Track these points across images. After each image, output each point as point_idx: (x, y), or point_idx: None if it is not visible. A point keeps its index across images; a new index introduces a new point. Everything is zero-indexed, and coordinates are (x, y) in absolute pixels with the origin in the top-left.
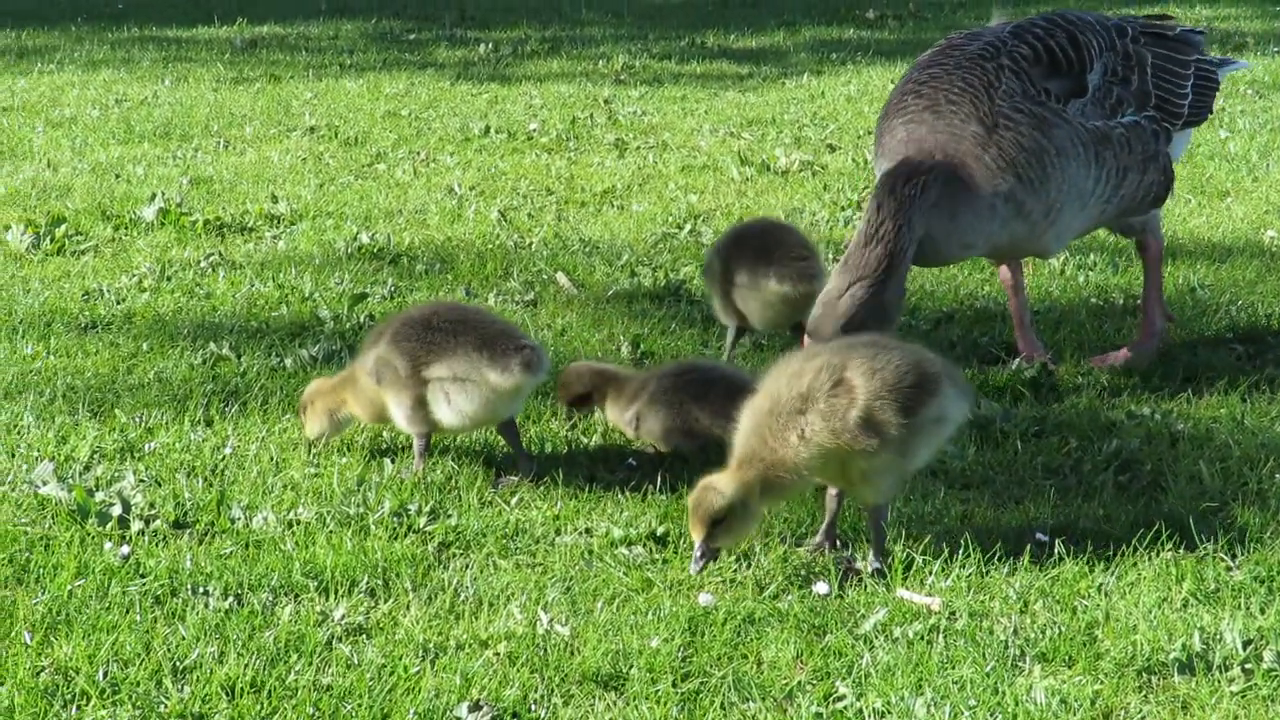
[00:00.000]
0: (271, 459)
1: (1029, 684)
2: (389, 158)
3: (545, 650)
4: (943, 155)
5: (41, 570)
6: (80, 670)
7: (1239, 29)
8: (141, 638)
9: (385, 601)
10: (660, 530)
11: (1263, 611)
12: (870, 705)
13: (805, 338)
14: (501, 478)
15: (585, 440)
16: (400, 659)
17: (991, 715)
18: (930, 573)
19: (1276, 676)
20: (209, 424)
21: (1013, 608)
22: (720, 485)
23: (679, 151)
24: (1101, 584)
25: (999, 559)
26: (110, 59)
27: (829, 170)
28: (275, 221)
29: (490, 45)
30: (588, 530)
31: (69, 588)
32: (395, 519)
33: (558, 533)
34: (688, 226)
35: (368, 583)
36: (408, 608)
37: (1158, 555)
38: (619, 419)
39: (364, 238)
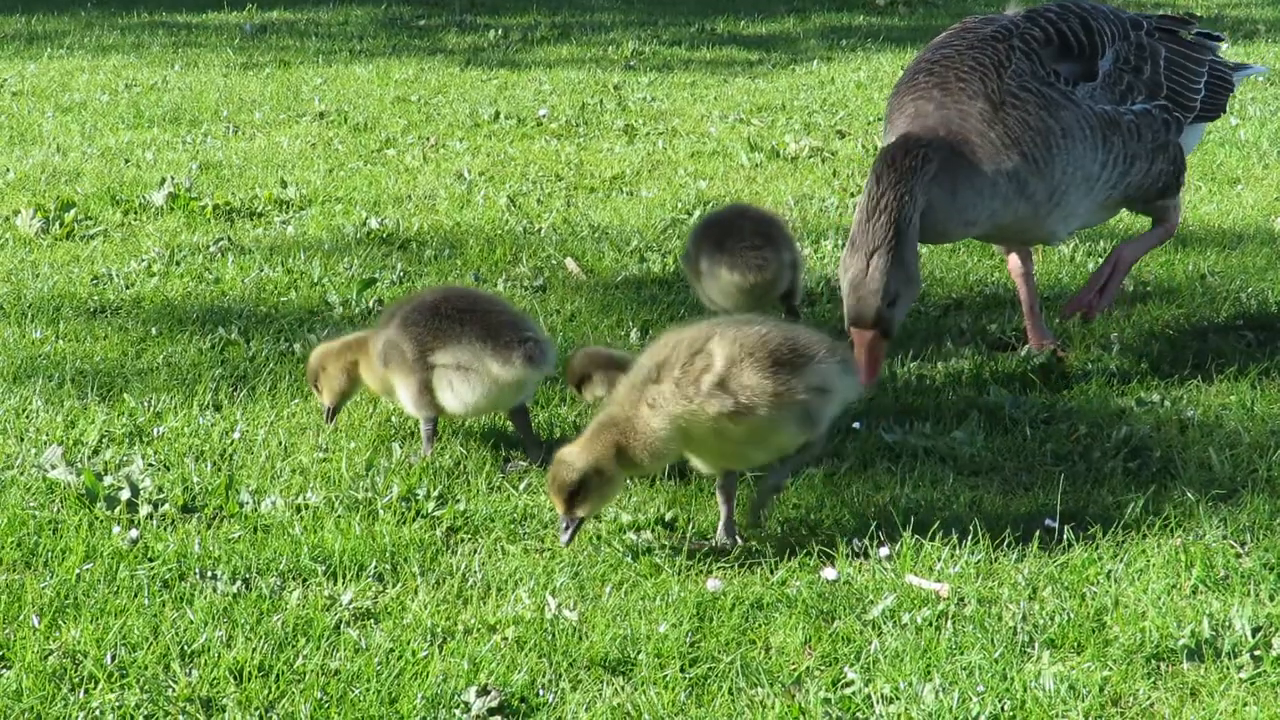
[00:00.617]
0: (280, 443)
1: (1038, 670)
2: (398, 143)
3: (553, 635)
4: (946, 131)
5: (50, 554)
6: (88, 654)
7: (1250, 16)
8: (150, 621)
9: (393, 586)
10: (669, 516)
11: (1272, 598)
12: (879, 691)
13: (851, 330)
14: (510, 462)
15: None
16: (408, 643)
17: (1000, 701)
18: (939, 559)
19: None
20: (218, 408)
21: (1021, 594)
22: (570, 457)
23: (688, 138)
24: (1110, 570)
25: (1008, 545)
26: (120, 44)
27: (839, 156)
28: (284, 206)
29: (500, 31)
30: (596, 515)
31: (77, 571)
32: (404, 504)
33: None
34: (697, 212)
35: (376, 567)
36: (416, 592)
37: (1167, 542)
38: None
39: (373, 223)
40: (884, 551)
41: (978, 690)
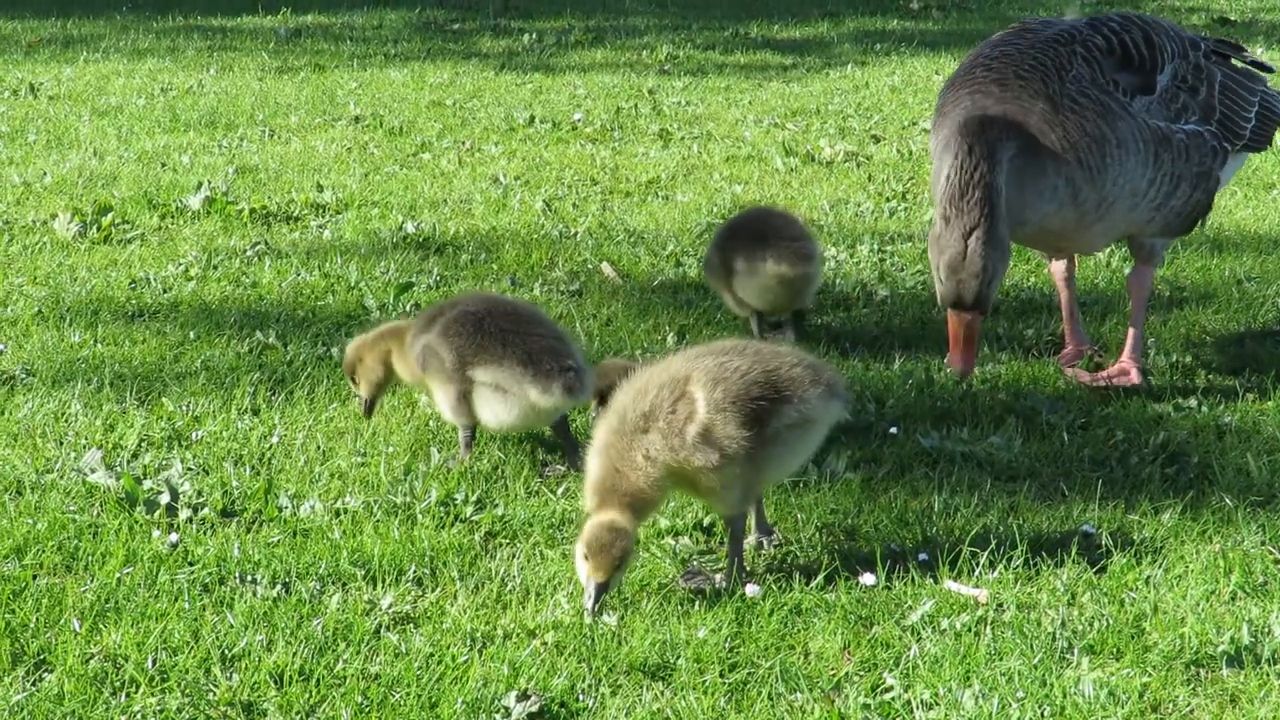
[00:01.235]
0: (318, 448)
1: (1077, 676)
2: (434, 147)
3: (593, 640)
4: (1013, 121)
5: (90, 558)
6: (129, 658)
7: None
8: (190, 625)
9: (432, 591)
10: (707, 521)
11: None
12: (918, 696)
13: (950, 312)
14: (548, 467)
15: None
16: (448, 648)
17: (1039, 707)
18: (977, 565)
19: None
20: (256, 412)
21: (1060, 600)
22: (626, 525)
23: (723, 142)
24: (1149, 576)
25: (1046, 551)
26: (156, 48)
27: (873, 161)
28: (321, 211)
29: (534, 35)
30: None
31: (117, 575)
32: (442, 508)
33: None
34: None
35: (415, 572)
36: (455, 597)
37: (1205, 548)
38: None
39: (409, 227)
40: (922, 557)
41: (1017, 696)
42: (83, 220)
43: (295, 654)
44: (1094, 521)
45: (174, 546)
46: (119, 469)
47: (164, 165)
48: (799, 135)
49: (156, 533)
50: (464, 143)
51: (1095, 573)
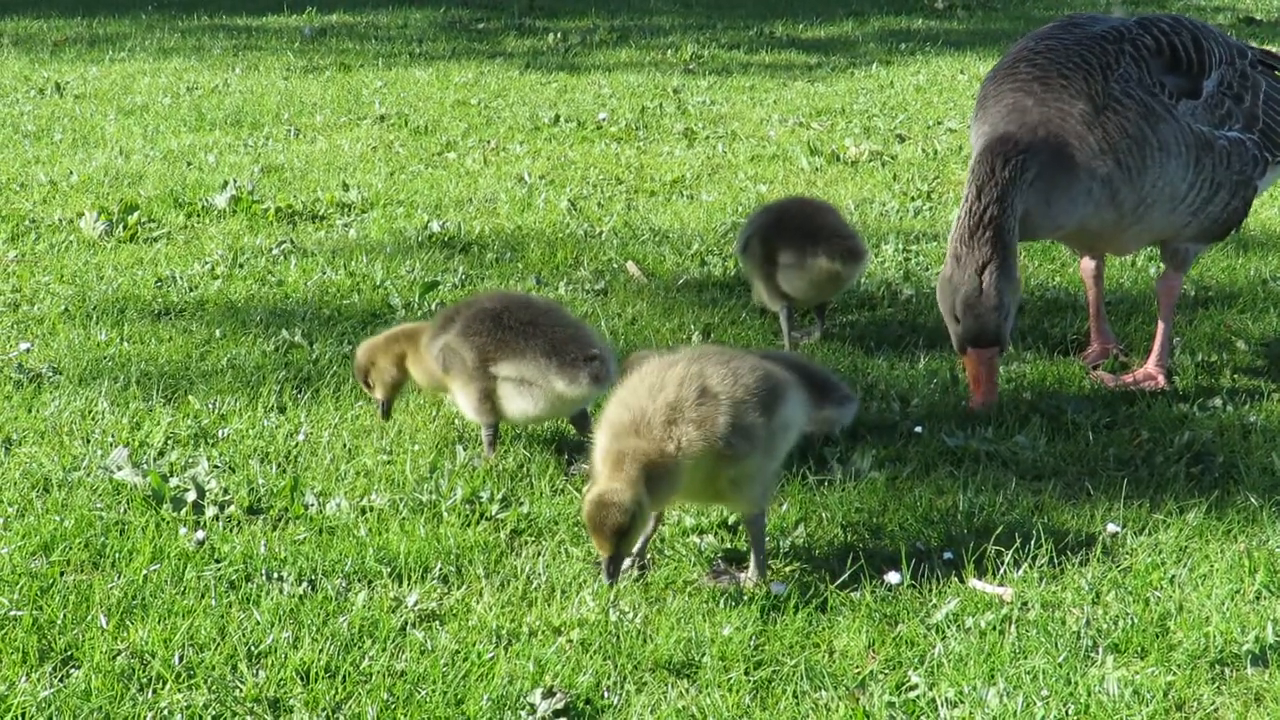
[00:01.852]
0: (344, 446)
1: (1102, 675)
2: (459, 146)
3: (618, 637)
4: (1046, 131)
5: (117, 555)
6: (156, 654)
7: None
8: (217, 622)
9: (458, 588)
10: (732, 519)
11: None
12: (943, 695)
13: (969, 349)
14: (573, 465)
15: None
16: (474, 645)
17: (1064, 706)
18: (1002, 563)
19: None
20: (282, 410)
21: (1085, 598)
22: (616, 496)
23: (748, 141)
24: (1174, 575)
25: (1071, 550)
26: (181, 47)
27: (898, 160)
28: (346, 209)
29: (559, 35)
30: (659, 518)
31: (144, 572)
32: (468, 506)
33: None
34: None
35: (441, 569)
36: (480, 594)
37: (1230, 547)
38: None
39: (435, 226)
40: (947, 555)
41: (1042, 695)
42: (109, 219)
43: (321, 651)
44: (1119, 520)
45: (200, 544)
46: (146, 466)
47: (190, 164)
48: (824, 134)
49: (183, 530)
50: (489, 142)
51: (1120, 571)
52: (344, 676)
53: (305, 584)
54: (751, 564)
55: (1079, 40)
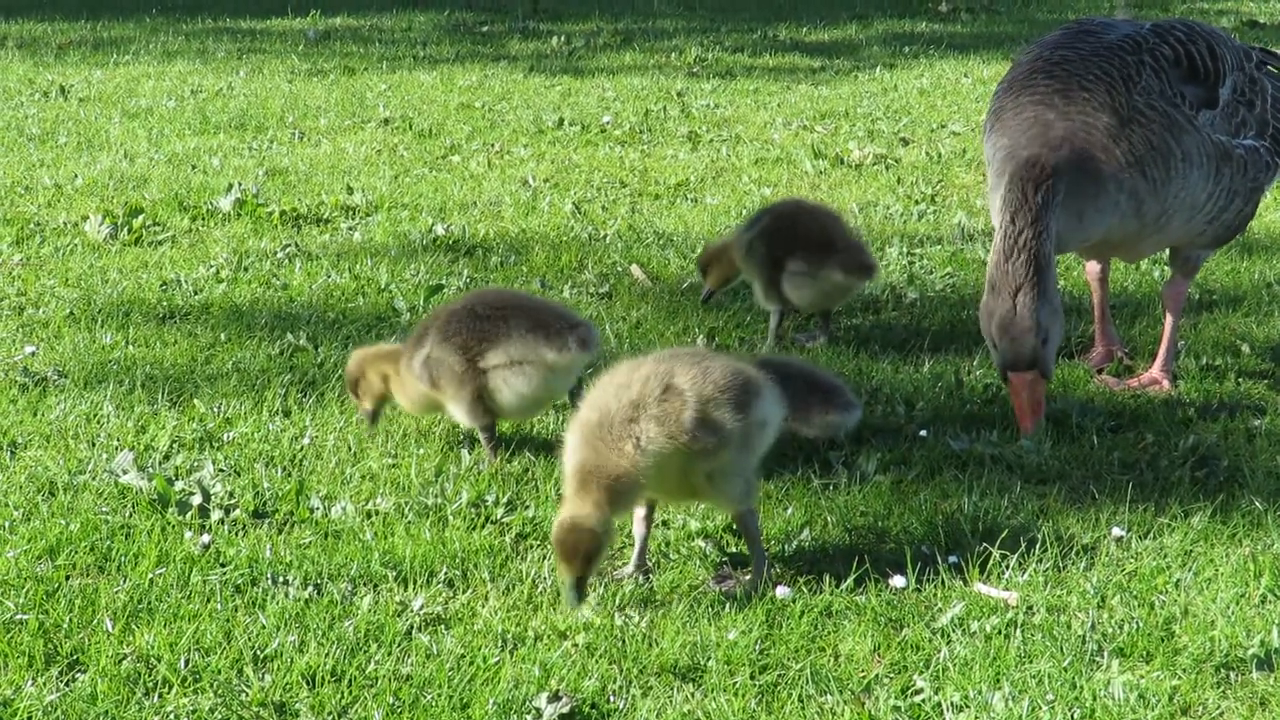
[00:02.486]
0: (349, 449)
1: (1107, 679)
2: (463, 149)
3: (623, 641)
4: (1071, 147)
5: (123, 559)
6: (162, 658)
7: None
8: (222, 626)
9: (464, 592)
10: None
11: None
12: (948, 699)
13: (1012, 378)
14: None
15: None
16: (479, 649)
17: (1069, 710)
18: (1007, 567)
19: None
20: (287, 414)
21: (1090, 602)
22: (585, 521)
23: (752, 144)
24: (1179, 579)
25: (1076, 554)
26: (185, 50)
27: (902, 164)
28: (351, 213)
29: (563, 38)
30: (664, 522)
31: (150, 576)
32: (473, 510)
33: None
34: None
35: (446, 573)
36: (486, 598)
37: (1235, 551)
38: None
39: (439, 229)
40: (952, 559)
41: (1047, 699)
42: (114, 222)
43: (327, 655)
44: (1124, 524)
45: (206, 547)
46: (151, 470)
47: (194, 167)
48: (828, 138)
49: (189, 534)
50: (493, 145)
51: (1125, 575)
52: (350, 680)
53: (311, 588)
54: (754, 564)
55: (1095, 50)
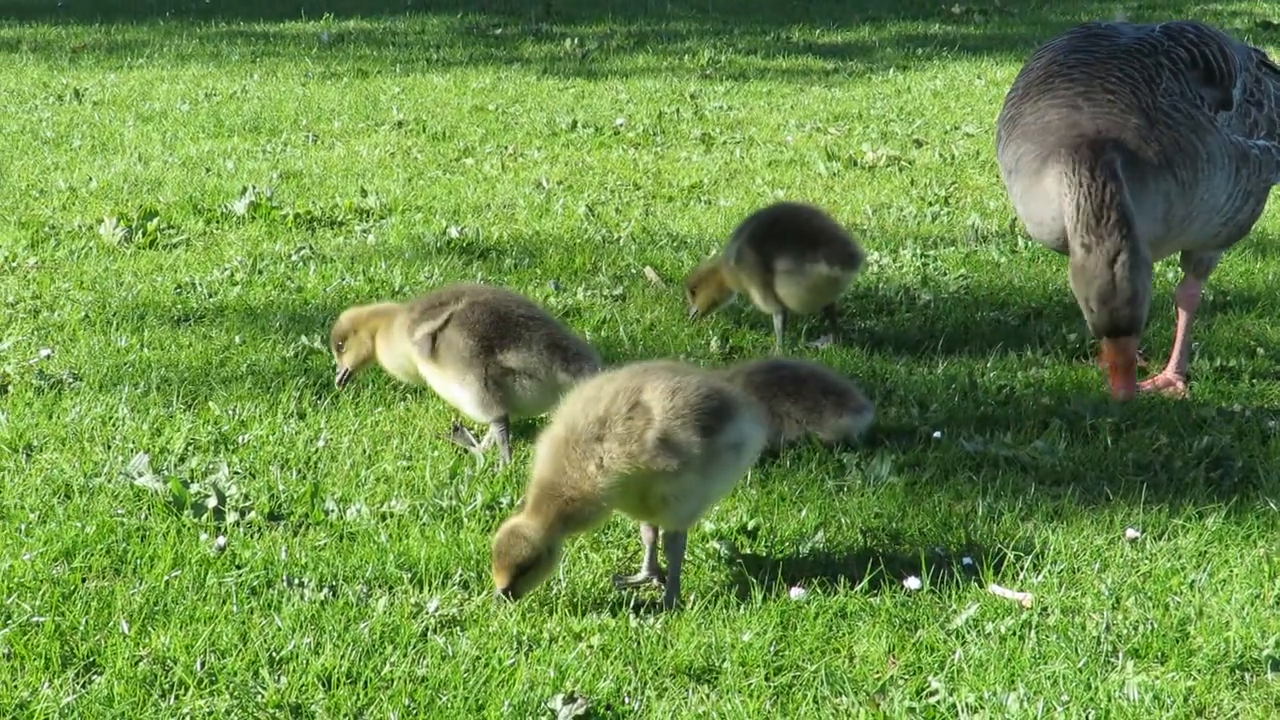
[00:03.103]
0: (364, 451)
1: (1122, 680)
2: (477, 152)
3: (638, 643)
4: (1112, 144)
5: (139, 561)
6: (178, 660)
7: None
8: (238, 628)
9: (479, 594)
10: (751, 524)
11: None
12: (963, 700)
13: (1106, 341)
14: None
15: None
16: (494, 651)
17: (1084, 711)
18: (1021, 568)
19: None
20: (302, 416)
21: (1105, 604)
22: (525, 531)
23: (765, 146)
24: (1194, 580)
25: (1090, 555)
26: (199, 53)
27: (916, 165)
28: (365, 215)
29: (576, 40)
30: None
31: (166, 578)
32: (488, 511)
33: None
34: None
35: (461, 575)
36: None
37: (1250, 552)
38: None
39: (453, 232)
40: (967, 561)
41: (1062, 700)
42: (128, 225)
43: (343, 656)
44: (1138, 525)
45: (221, 550)
46: (166, 472)
47: (208, 170)
48: (841, 140)
49: (204, 536)
50: (507, 148)
51: (1139, 577)
52: (365, 682)
53: (326, 590)
54: (669, 582)
55: (1112, 54)
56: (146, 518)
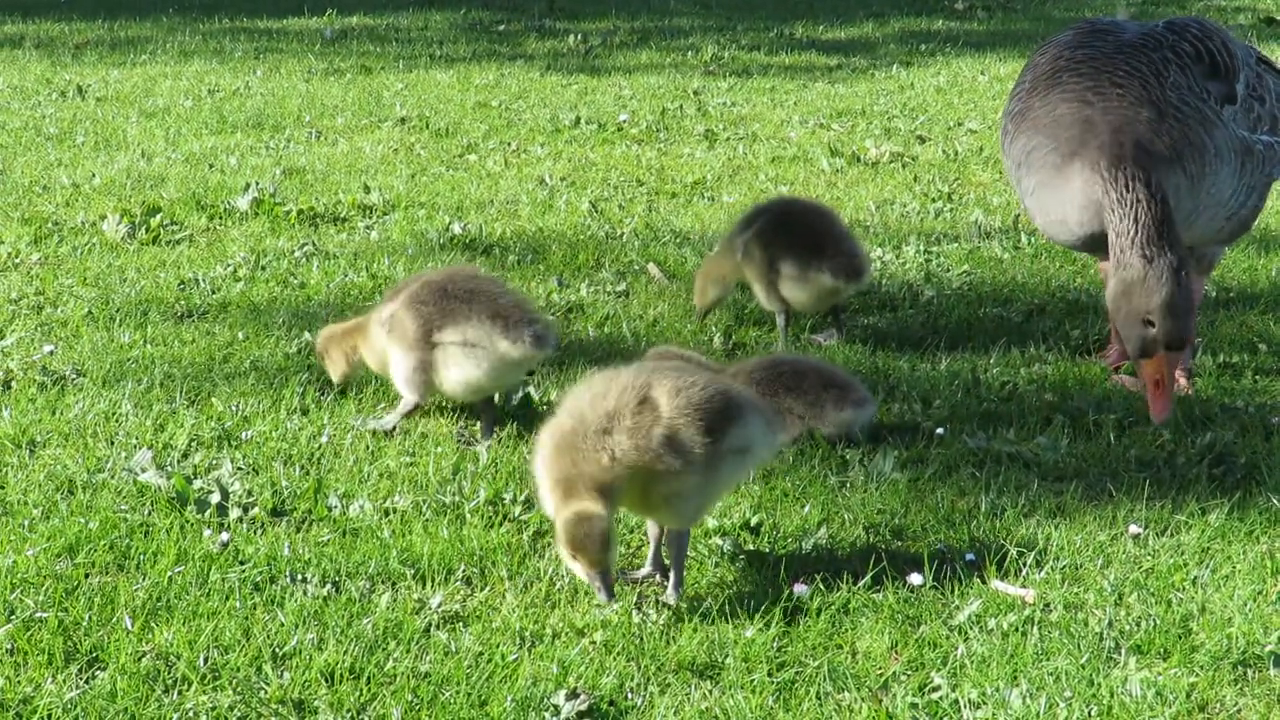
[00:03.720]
0: (367, 448)
1: (1124, 676)
2: (480, 148)
3: (641, 639)
4: (1130, 140)
5: (142, 557)
6: (181, 656)
7: None
8: (241, 624)
9: (482, 589)
10: (754, 520)
11: None
12: (965, 696)
13: (1164, 353)
14: None
15: None
16: (497, 647)
17: (1087, 707)
18: (1024, 565)
19: None
20: (305, 412)
21: (1107, 600)
22: (588, 510)
23: (769, 143)
24: (1196, 577)
25: (1093, 551)
26: (202, 50)
27: (919, 162)
28: (368, 212)
29: (579, 36)
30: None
31: (169, 574)
32: (490, 507)
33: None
34: None
35: (464, 571)
36: (504, 596)
37: (1253, 548)
38: None
39: (456, 228)
40: (969, 557)
41: (1064, 696)
42: (131, 221)
43: (346, 652)
44: (1141, 521)
45: (225, 545)
46: (169, 468)
47: (211, 167)
48: (844, 136)
49: (207, 532)
50: (510, 144)
51: (1142, 573)
52: (368, 678)
53: (329, 586)
54: (671, 579)
55: (1118, 48)
56: (149, 513)
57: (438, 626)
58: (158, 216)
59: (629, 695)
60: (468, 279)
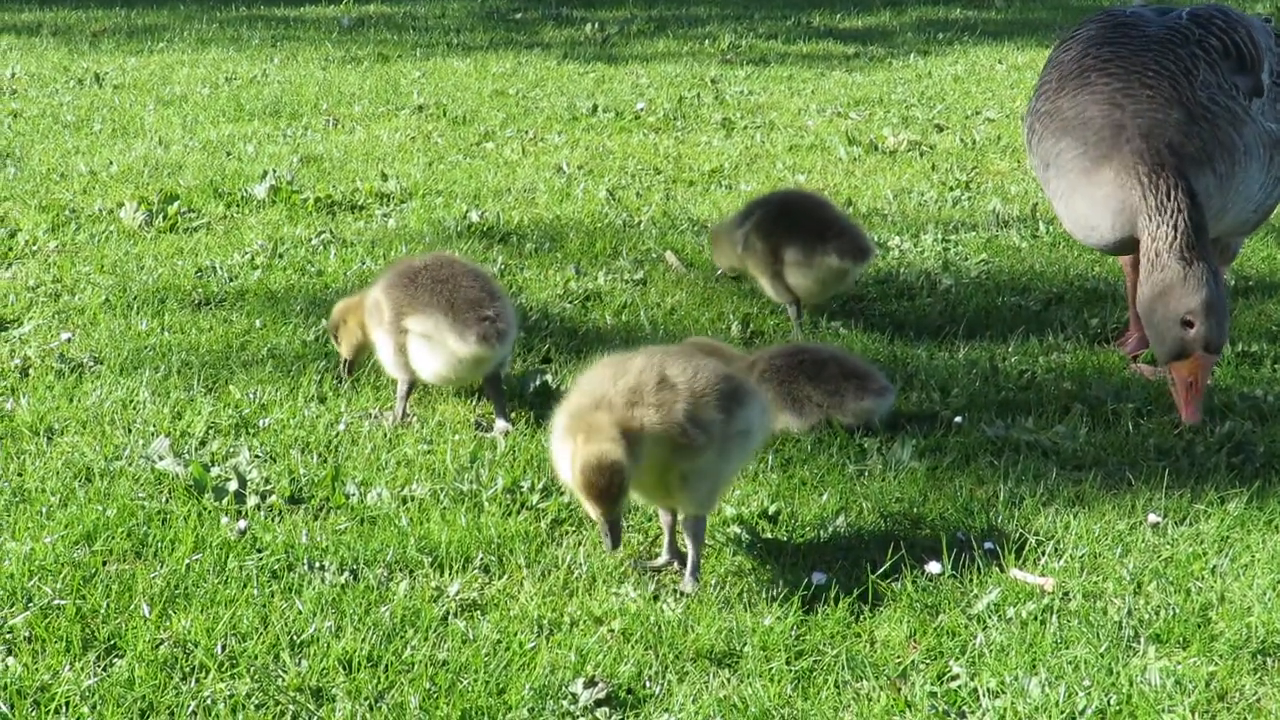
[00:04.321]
0: (385, 435)
1: (1143, 665)
2: (497, 136)
3: (659, 627)
4: (1163, 143)
5: (160, 544)
6: (199, 643)
7: None
8: (259, 611)
9: (499, 578)
10: (772, 509)
11: None
12: (984, 685)
13: (1200, 355)
14: None
15: None
16: (515, 635)
17: (1106, 695)
18: (1043, 553)
19: None
20: (322, 400)
21: (1126, 589)
22: (609, 450)
23: (786, 131)
24: (1215, 565)
25: (1111, 540)
26: (219, 37)
27: (937, 150)
28: (385, 199)
29: (596, 25)
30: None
31: (187, 562)
32: (508, 495)
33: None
34: None
35: (482, 559)
36: (522, 584)
37: (1272, 537)
38: None
39: (473, 216)
40: (988, 546)
41: (1083, 684)
42: (149, 209)
43: (363, 640)
44: (1160, 510)
45: (242, 533)
46: (187, 456)
47: (229, 154)
48: (862, 124)
49: (225, 519)
50: (527, 132)
51: (1161, 562)
52: (386, 666)
53: (347, 573)
54: (689, 567)
55: (1145, 45)
56: (167, 501)
57: (455, 614)
58: (175, 204)
59: (647, 683)
60: (441, 267)
